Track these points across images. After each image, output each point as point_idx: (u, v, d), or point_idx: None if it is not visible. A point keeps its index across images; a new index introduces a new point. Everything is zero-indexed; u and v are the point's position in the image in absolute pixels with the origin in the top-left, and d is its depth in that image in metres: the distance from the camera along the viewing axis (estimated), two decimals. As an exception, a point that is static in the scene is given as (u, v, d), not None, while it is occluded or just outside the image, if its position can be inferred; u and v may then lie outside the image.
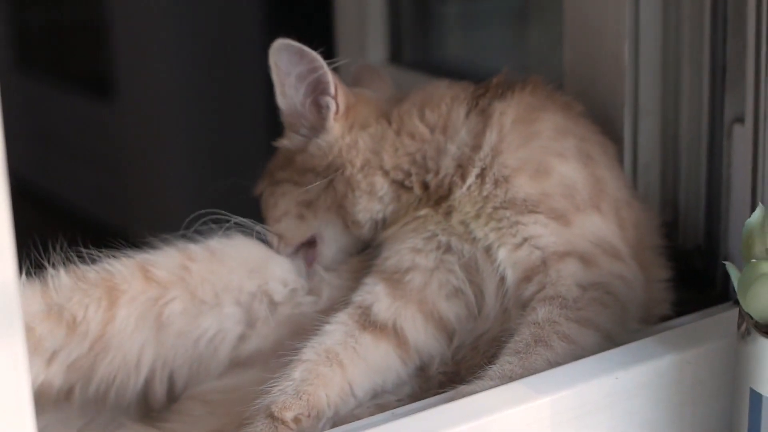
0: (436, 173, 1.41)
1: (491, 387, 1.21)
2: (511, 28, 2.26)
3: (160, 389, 1.40)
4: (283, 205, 1.48)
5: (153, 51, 3.69)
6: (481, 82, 1.50)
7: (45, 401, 1.37)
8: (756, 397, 1.18)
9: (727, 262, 1.22)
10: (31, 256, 1.37)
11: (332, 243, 1.48)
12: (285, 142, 1.50)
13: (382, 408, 1.31)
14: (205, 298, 1.41)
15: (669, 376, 1.27)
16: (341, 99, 1.45)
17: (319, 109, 1.46)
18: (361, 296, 1.39)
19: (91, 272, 1.39)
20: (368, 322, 1.36)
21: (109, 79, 3.94)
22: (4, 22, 4.59)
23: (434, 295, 1.38)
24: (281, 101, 1.47)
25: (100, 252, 1.41)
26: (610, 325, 1.30)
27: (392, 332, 1.36)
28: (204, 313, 1.41)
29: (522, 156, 1.38)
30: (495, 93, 1.45)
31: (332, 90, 1.44)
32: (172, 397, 1.41)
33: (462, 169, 1.40)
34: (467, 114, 1.43)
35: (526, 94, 1.45)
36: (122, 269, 1.40)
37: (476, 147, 1.40)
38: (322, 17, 2.24)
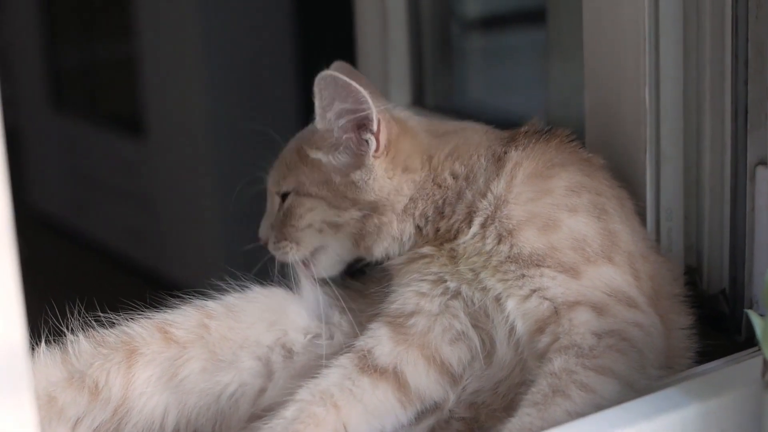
0: (450, 218, 1.42)
1: (511, 440, 1.20)
2: (533, 72, 2.26)
3: None
4: (308, 218, 1.47)
5: (184, 89, 3.71)
6: (510, 131, 1.50)
7: None
8: (781, 449, 1.16)
9: (749, 311, 1.21)
10: (50, 323, 1.38)
11: (335, 256, 1.50)
12: (322, 158, 1.46)
13: None
14: (224, 356, 1.42)
15: (693, 426, 1.24)
16: (383, 136, 1.43)
17: (360, 141, 1.44)
18: (363, 341, 1.40)
19: (110, 336, 1.41)
20: (368, 365, 1.37)
21: (141, 117, 3.97)
22: (38, 61, 4.63)
23: (437, 340, 1.38)
24: (320, 123, 1.44)
25: (119, 315, 1.41)
26: (629, 372, 1.28)
27: (392, 376, 1.37)
28: (223, 370, 1.41)
29: (531, 210, 1.38)
30: (516, 142, 1.45)
31: (375, 127, 1.42)
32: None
33: (470, 217, 1.40)
34: (488, 162, 1.44)
35: (551, 148, 1.45)
36: (141, 331, 1.41)
37: (484, 194, 1.40)
38: (345, 60, 2.24)
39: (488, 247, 1.38)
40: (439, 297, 1.40)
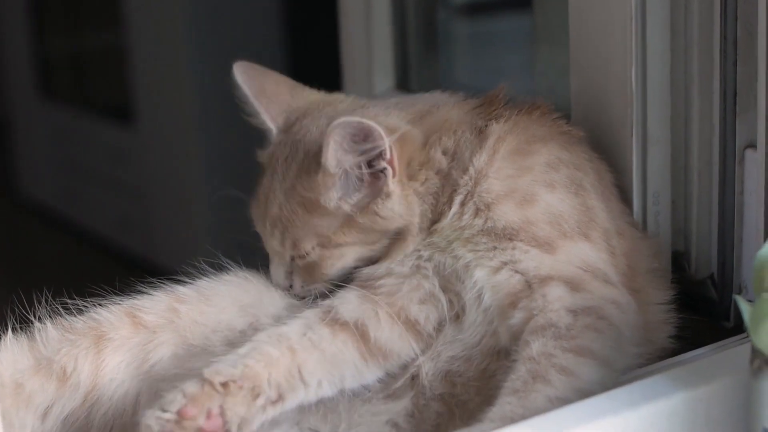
0: (438, 205, 1.40)
1: (492, 430, 1.16)
2: (519, 54, 2.24)
3: None
4: (342, 263, 1.43)
5: (173, 77, 3.71)
6: (479, 98, 1.48)
7: None
8: (769, 437, 1.14)
9: (737, 296, 1.19)
10: (16, 312, 1.36)
11: (348, 273, 1.46)
12: (341, 204, 1.39)
13: None
14: (195, 341, 1.39)
15: (680, 415, 1.22)
16: (395, 160, 1.38)
17: (372, 172, 1.38)
18: (331, 300, 1.39)
19: (78, 322, 1.38)
20: (331, 319, 1.35)
21: (130, 105, 3.96)
22: (27, 50, 4.63)
23: (404, 299, 1.37)
24: (332, 165, 1.36)
25: (87, 301, 1.39)
26: (608, 351, 1.26)
27: (353, 328, 1.35)
28: (195, 355, 1.39)
29: (510, 185, 1.37)
30: (494, 112, 1.44)
31: (388, 155, 1.37)
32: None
33: (451, 198, 1.39)
34: (472, 136, 1.42)
35: (533, 121, 1.44)
36: (109, 316, 1.38)
37: (465, 169, 1.39)
38: (329, 45, 2.23)
39: (464, 222, 1.37)
40: (410, 260, 1.39)
